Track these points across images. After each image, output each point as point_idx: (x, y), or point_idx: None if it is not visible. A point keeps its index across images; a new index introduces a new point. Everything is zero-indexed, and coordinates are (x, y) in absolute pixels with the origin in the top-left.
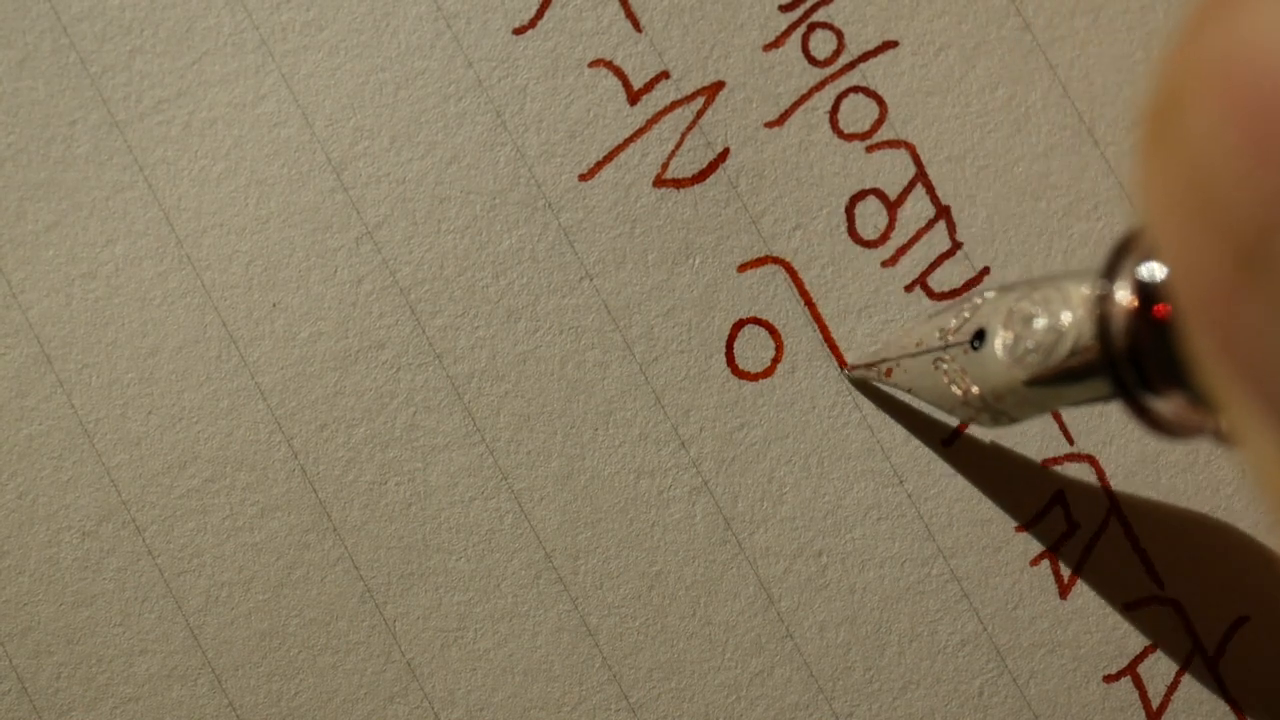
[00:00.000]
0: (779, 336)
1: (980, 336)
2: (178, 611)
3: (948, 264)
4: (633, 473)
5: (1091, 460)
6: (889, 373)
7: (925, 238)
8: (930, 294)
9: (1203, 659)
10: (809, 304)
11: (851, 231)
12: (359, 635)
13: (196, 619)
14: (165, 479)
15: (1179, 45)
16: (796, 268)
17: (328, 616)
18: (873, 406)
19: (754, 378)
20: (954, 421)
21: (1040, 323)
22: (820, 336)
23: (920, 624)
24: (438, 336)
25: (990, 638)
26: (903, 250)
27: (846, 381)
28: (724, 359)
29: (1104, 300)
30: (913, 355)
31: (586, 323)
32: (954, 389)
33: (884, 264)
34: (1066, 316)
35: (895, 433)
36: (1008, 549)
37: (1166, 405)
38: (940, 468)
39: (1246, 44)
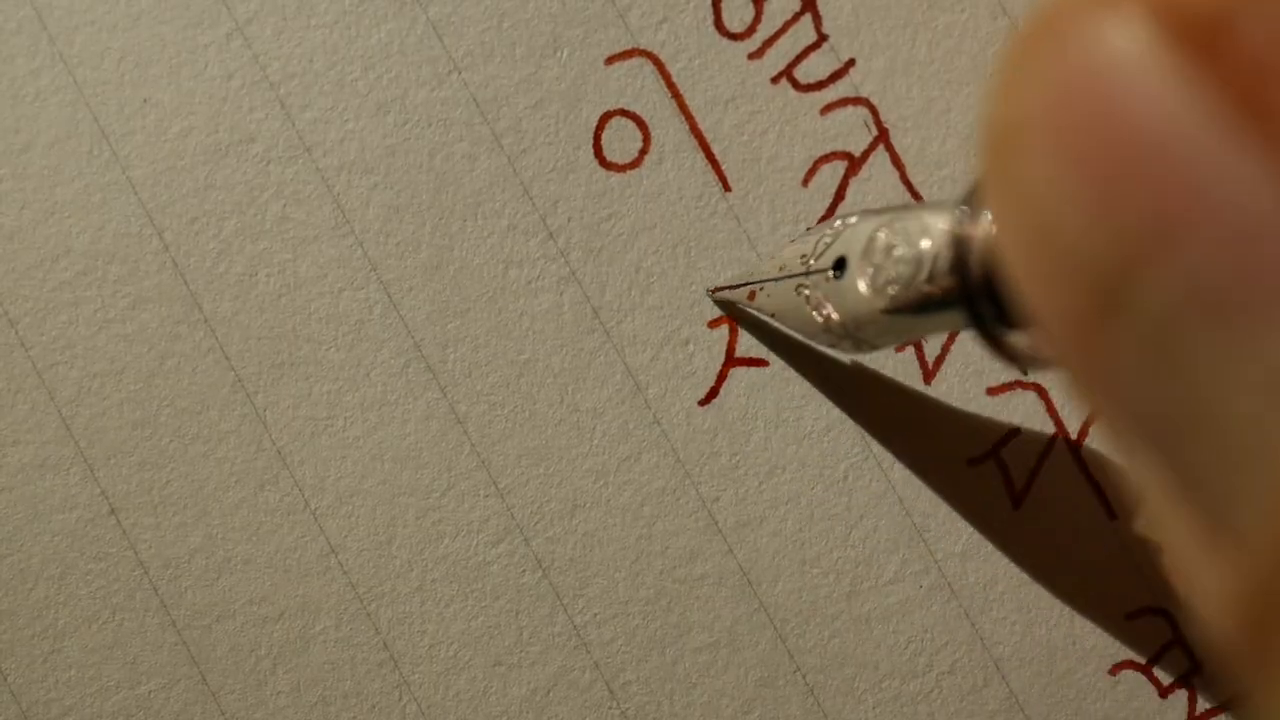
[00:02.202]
0: (646, 128)
1: (841, 265)
2: (50, 402)
3: (814, 56)
4: (501, 263)
5: None
6: (752, 296)
7: (792, 30)
8: (796, 85)
9: (1065, 442)
10: (676, 96)
11: (718, 24)
12: (230, 424)
13: (69, 409)
14: (38, 272)
15: (1011, 68)
16: (664, 60)
17: (199, 406)
18: (735, 195)
19: (621, 169)
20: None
21: (899, 252)
22: (687, 128)
23: (785, 410)
24: (307, 130)
25: (854, 422)
26: (769, 42)
27: (713, 173)
28: (591, 151)
29: (962, 231)
30: (775, 280)
31: (455, 115)
32: (816, 315)
33: (750, 56)
34: (925, 245)
35: (760, 222)
36: None
37: (1021, 338)
38: None
39: (1079, 73)
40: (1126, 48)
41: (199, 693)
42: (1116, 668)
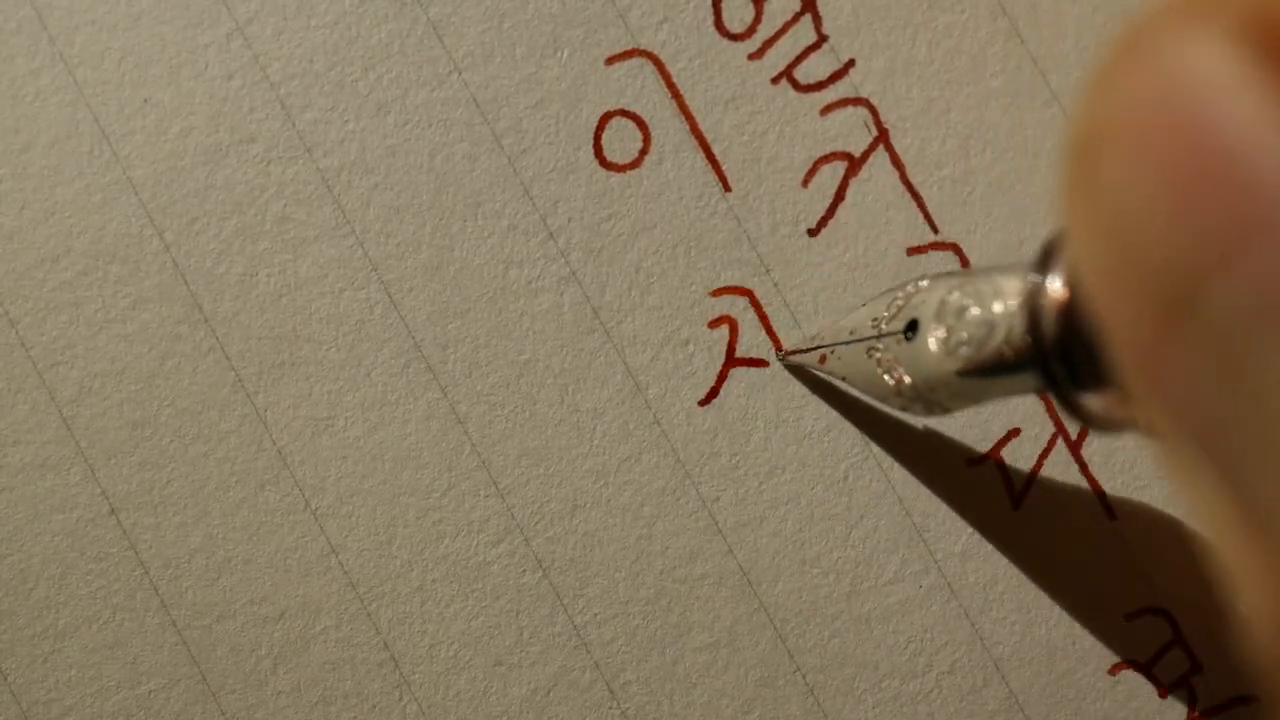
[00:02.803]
0: (646, 128)
1: (913, 327)
2: (50, 402)
3: (814, 56)
4: (501, 263)
5: (956, 248)
6: (823, 359)
7: (792, 30)
8: (796, 86)
9: (1065, 442)
10: (676, 96)
11: (718, 24)
12: (230, 424)
13: (69, 409)
14: (38, 272)
15: (1099, 81)
16: (664, 60)
17: (199, 406)
18: (735, 195)
19: (622, 169)
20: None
21: (973, 314)
22: (687, 128)
23: (785, 410)
24: (308, 130)
25: (855, 423)
26: (769, 43)
27: (713, 174)
28: (592, 151)
29: (1035, 293)
30: (846, 343)
31: (455, 116)
32: (887, 378)
33: (750, 56)
34: (999, 308)
35: (760, 222)
36: None
37: (1097, 400)
38: (806, 255)
39: (1164, 82)
40: (1212, 59)
41: (199, 693)
42: (1116, 668)
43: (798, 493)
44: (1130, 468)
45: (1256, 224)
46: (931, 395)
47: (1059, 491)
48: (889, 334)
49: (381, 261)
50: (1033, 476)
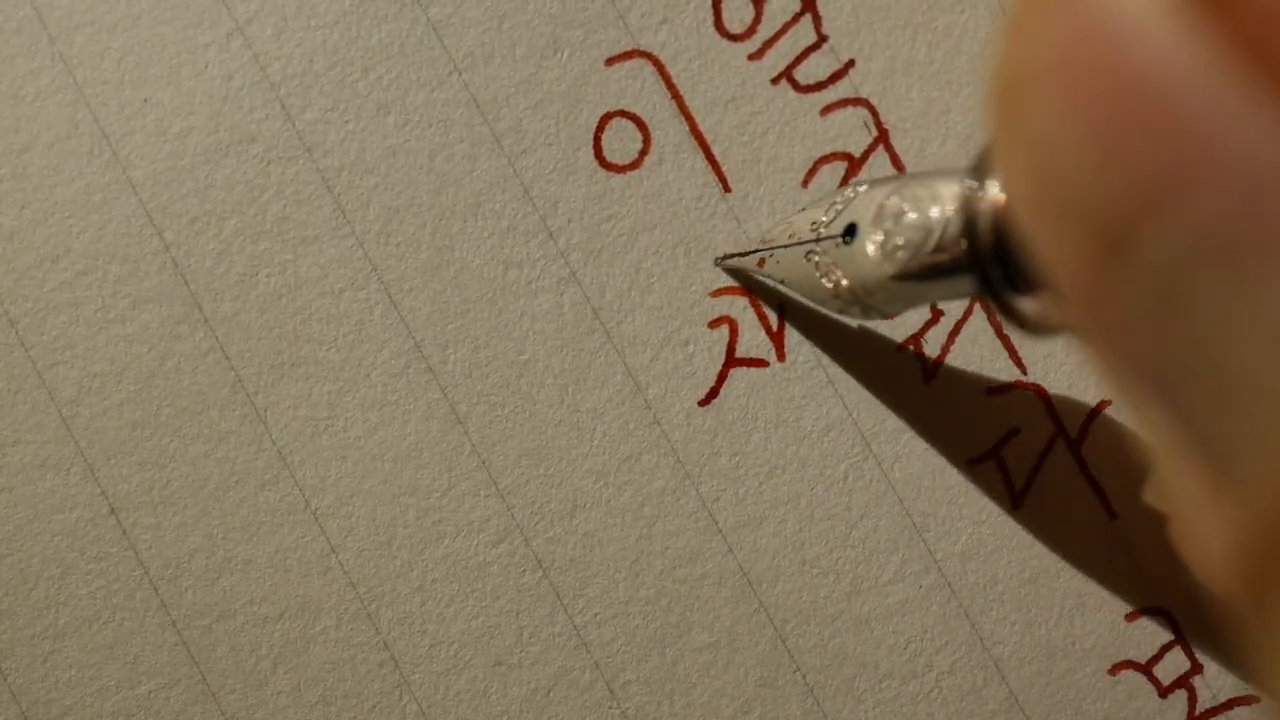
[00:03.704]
0: (646, 129)
1: (851, 231)
2: (50, 402)
3: (814, 56)
4: (501, 263)
5: None
6: (762, 263)
7: (792, 30)
8: (796, 86)
9: (1065, 442)
10: (676, 97)
11: (718, 24)
12: (230, 424)
13: (69, 409)
14: (38, 272)
15: (1020, 17)
16: (664, 61)
17: (199, 406)
18: (735, 195)
19: (622, 170)
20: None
21: (909, 218)
22: (687, 128)
23: (785, 410)
24: (308, 130)
25: (855, 422)
26: (769, 43)
27: (713, 174)
28: (592, 151)
29: (971, 198)
30: (785, 246)
31: (455, 116)
32: (825, 282)
33: (750, 57)
34: (935, 212)
35: (760, 222)
36: (871, 332)
37: (1031, 304)
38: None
39: (1087, 22)
40: None
41: (199, 693)
42: (1116, 668)
43: (798, 493)
44: (1130, 468)
45: (1188, 165)
46: (868, 299)
47: (1059, 491)
48: (827, 237)
49: (381, 261)
50: (1033, 476)
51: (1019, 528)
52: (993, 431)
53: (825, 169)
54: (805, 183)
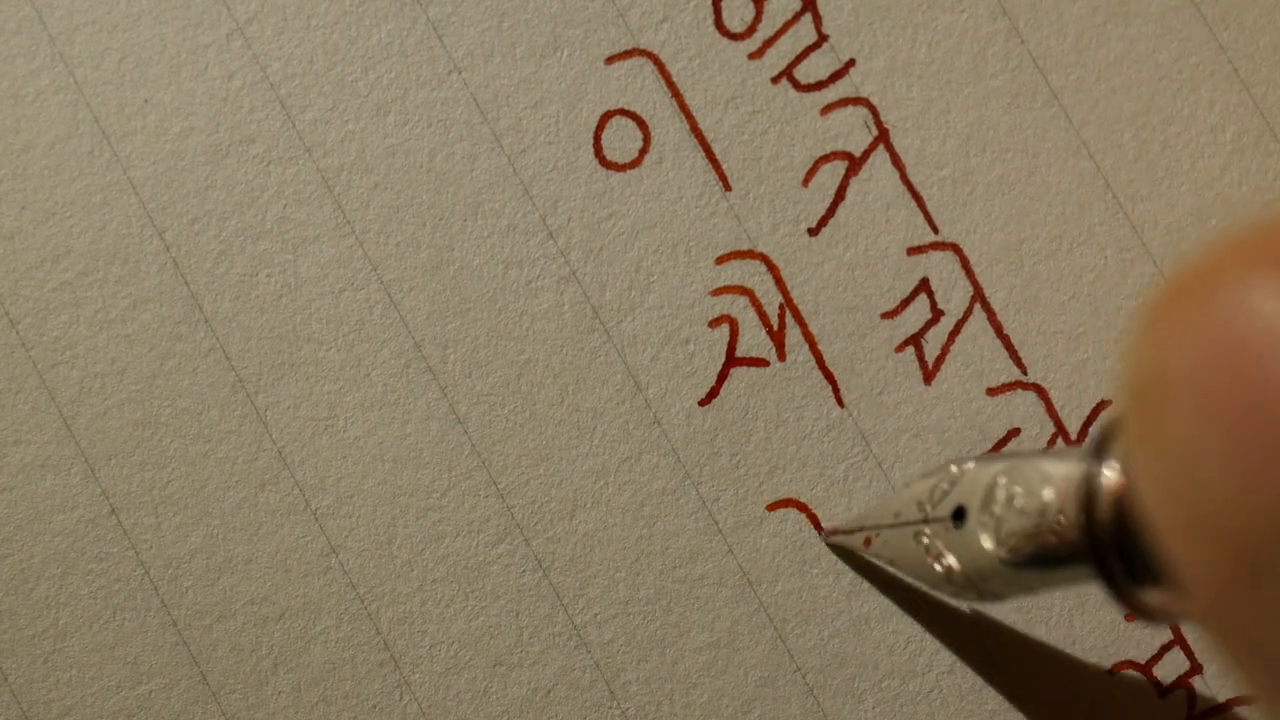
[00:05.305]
0: (646, 128)
1: (961, 514)
2: (51, 402)
3: (814, 56)
4: (501, 263)
5: (956, 248)
6: (868, 542)
7: (792, 30)
8: (796, 85)
9: (1065, 442)
10: (676, 96)
11: (718, 24)
12: (230, 424)
13: (69, 409)
14: (38, 273)
15: (1156, 321)
16: (664, 60)
17: (199, 406)
18: (735, 195)
19: (622, 168)
20: None
21: (1020, 503)
22: (688, 127)
23: (786, 410)
24: (308, 130)
25: (855, 422)
26: (770, 42)
27: (713, 173)
28: (592, 150)
29: (1090, 482)
30: (892, 526)
31: (455, 116)
32: (936, 565)
33: (751, 56)
34: (1048, 495)
35: (760, 222)
36: (872, 335)
37: (1155, 595)
38: (806, 255)
39: (1226, 333)
40: (1273, 312)
41: (199, 693)
42: (1116, 668)
43: (797, 493)
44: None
45: None
46: (983, 585)
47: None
48: (936, 519)
49: (381, 261)
50: None
51: None
52: (993, 431)
53: (825, 168)
54: (805, 182)
